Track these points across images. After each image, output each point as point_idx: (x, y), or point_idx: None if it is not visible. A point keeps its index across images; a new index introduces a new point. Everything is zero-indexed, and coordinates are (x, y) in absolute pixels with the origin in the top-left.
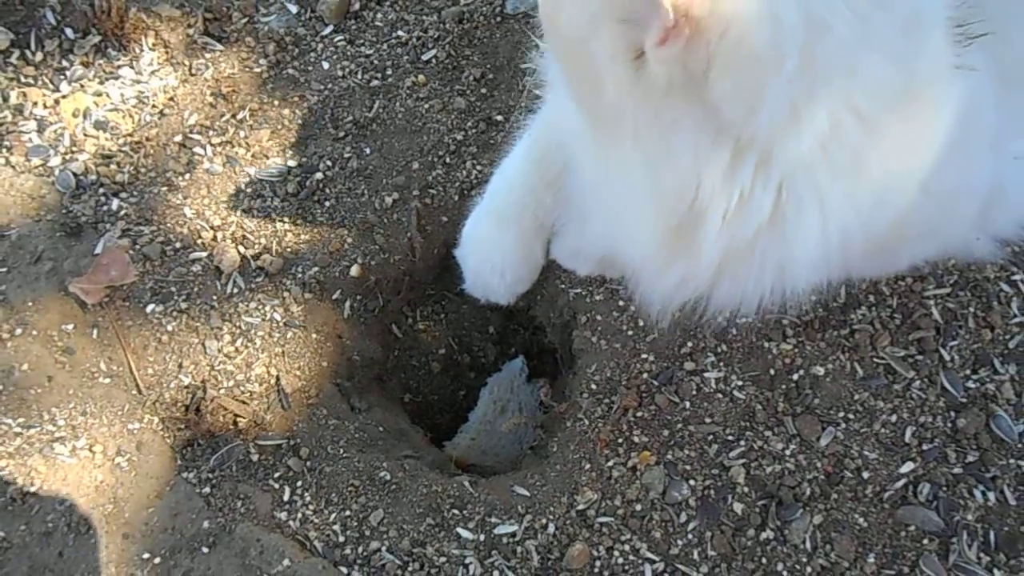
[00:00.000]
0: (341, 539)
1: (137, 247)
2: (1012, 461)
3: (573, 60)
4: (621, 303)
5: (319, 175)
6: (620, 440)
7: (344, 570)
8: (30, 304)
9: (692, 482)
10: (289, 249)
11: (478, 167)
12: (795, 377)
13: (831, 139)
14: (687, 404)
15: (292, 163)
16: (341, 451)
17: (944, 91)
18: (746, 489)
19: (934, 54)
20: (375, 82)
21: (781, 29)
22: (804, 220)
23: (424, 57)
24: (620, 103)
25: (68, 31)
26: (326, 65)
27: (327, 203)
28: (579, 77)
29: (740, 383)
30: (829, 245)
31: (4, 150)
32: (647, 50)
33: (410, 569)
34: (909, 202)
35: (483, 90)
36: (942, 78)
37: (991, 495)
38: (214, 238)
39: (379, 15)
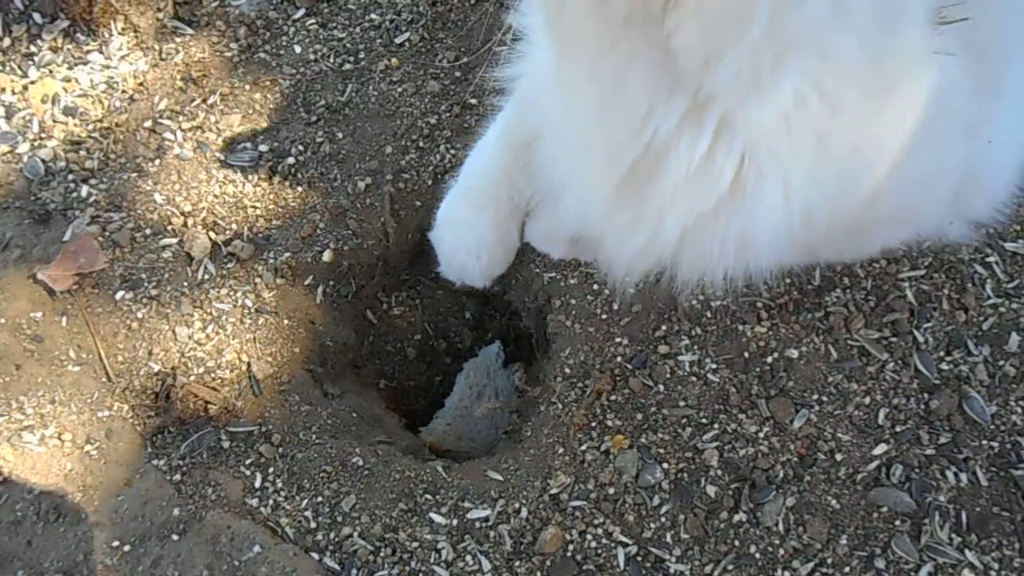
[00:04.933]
0: (313, 525)
1: (107, 234)
2: (984, 442)
3: None
4: (595, 287)
5: (291, 160)
6: (594, 424)
7: (315, 556)
8: None
9: (665, 465)
10: (260, 235)
11: (452, 151)
12: (769, 360)
13: (794, 115)
14: (661, 387)
15: (263, 148)
16: (313, 437)
17: (918, 79)
18: (719, 472)
19: (910, 42)
20: (348, 66)
21: None
22: (765, 194)
23: (397, 40)
24: (580, 25)
25: (36, 16)
26: (298, 49)
27: (299, 188)
28: None
29: (714, 366)
30: (791, 222)
31: None
32: None
33: (382, 555)
34: (877, 186)
35: (457, 73)
36: (917, 66)
37: (963, 476)
38: (184, 224)
39: None
